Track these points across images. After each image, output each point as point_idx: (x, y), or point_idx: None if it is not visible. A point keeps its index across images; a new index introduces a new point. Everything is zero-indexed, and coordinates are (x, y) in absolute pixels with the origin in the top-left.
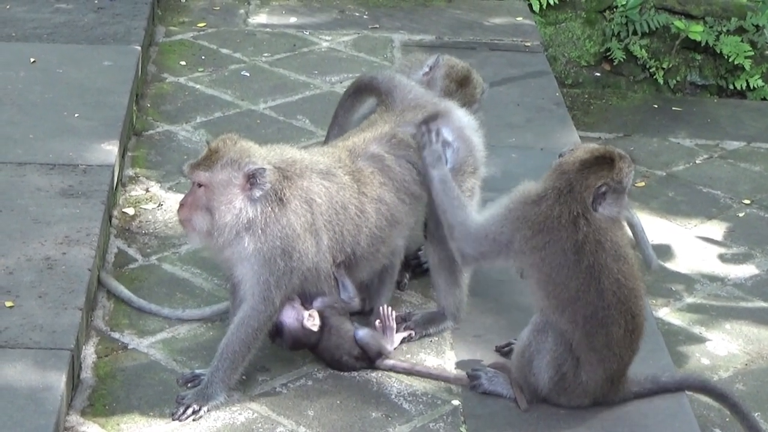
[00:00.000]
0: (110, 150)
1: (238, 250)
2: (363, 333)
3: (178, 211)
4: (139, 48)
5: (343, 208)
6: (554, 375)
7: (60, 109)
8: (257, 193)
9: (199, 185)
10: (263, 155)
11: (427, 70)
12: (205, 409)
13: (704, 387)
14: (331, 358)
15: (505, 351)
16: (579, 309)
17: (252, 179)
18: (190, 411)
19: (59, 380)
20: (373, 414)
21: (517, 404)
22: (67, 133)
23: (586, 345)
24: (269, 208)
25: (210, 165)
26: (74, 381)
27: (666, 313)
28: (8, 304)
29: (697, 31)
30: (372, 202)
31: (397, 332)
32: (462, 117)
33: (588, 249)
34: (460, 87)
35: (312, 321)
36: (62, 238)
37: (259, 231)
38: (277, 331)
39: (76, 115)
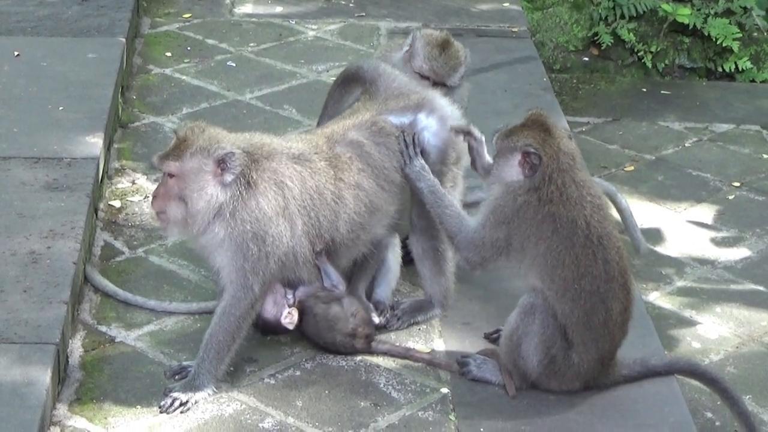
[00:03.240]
0: (95, 143)
1: (210, 237)
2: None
3: (152, 203)
4: (124, 40)
5: (319, 194)
6: (543, 358)
7: (44, 103)
8: (228, 177)
9: (170, 175)
10: (231, 140)
11: (407, 48)
12: (192, 400)
13: (693, 371)
14: (325, 343)
15: (493, 338)
16: (584, 285)
17: (222, 164)
18: (177, 403)
19: (44, 375)
20: (362, 403)
21: (506, 391)
22: (52, 126)
23: (584, 324)
24: (237, 192)
25: (179, 154)
26: (60, 375)
27: (656, 297)
28: None
29: (684, 14)
30: (350, 188)
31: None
32: (445, 107)
33: (596, 219)
34: (442, 50)
35: (289, 319)
36: (47, 232)
37: (228, 216)
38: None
39: (60, 108)
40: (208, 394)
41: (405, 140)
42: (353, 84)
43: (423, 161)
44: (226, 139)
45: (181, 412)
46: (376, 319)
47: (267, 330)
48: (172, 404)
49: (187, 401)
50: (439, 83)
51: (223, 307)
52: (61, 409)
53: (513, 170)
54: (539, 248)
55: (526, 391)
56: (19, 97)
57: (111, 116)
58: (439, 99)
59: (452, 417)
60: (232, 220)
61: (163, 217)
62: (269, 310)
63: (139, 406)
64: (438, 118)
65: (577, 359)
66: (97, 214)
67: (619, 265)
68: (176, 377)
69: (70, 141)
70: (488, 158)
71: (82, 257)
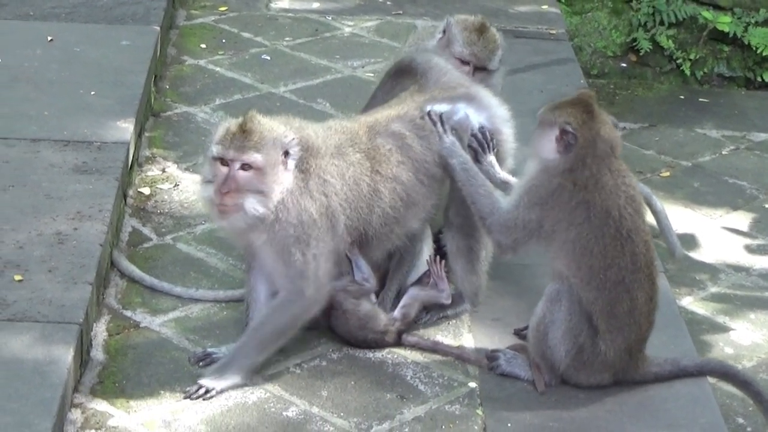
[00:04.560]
0: (126, 128)
1: (260, 231)
2: (414, 290)
3: (224, 197)
4: (158, 28)
5: (356, 185)
6: (571, 348)
7: (76, 87)
8: (291, 164)
9: (245, 167)
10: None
11: (440, 35)
12: (218, 388)
13: (726, 372)
14: (356, 340)
15: (523, 334)
16: (610, 275)
17: (287, 152)
18: (202, 390)
19: (66, 354)
20: (388, 395)
21: (535, 387)
22: (83, 110)
23: (609, 312)
24: (295, 181)
25: (258, 145)
26: (83, 356)
27: (689, 302)
28: (17, 278)
29: (725, 22)
30: (386, 181)
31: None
32: (494, 106)
33: (629, 211)
34: (481, 34)
35: None
36: (74, 214)
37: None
38: None
39: (92, 93)
40: (236, 384)
41: (432, 119)
42: (405, 76)
43: (454, 138)
44: (283, 125)
45: (203, 399)
46: (447, 299)
47: None
48: (197, 391)
49: (212, 389)
50: (480, 67)
51: (276, 304)
52: (83, 392)
53: (549, 145)
54: (569, 234)
55: (556, 388)
56: (51, 81)
57: (143, 103)
58: (488, 97)
59: (480, 411)
60: (277, 223)
61: (235, 211)
62: None
63: (161, 391)
64: (487, 117)
65: (604, 347)
66: (126, 200)
67: (646, 256)
68: (200, 363)
69: (101, 125)
70: (499, 173)
71: (109, 240)
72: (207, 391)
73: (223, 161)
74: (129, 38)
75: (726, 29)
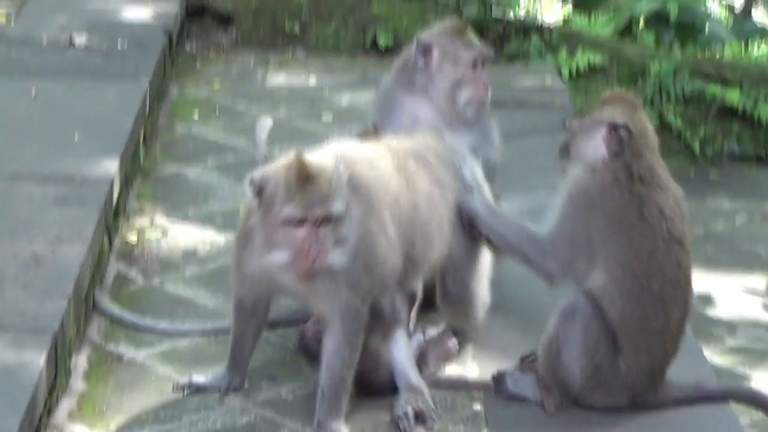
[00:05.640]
0: (110, 165)
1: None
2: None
3: (314, 261)
4: (147, 81)
5: (396, 199)
6: (587, 366)
7: (59, 132)
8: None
9: (324, 221)
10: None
11: (419, 61)
12: None
13: (753, 398)
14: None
15: (530, 361)
16: (652, 285)
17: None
18: None
19: (38, 358)
20: (387, 418)
21: (543, 408)
22: (66, 151)
23: (640, 328)
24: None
25: (333, 191)
26: (57, 372)
27: (708, 355)
28: None
29: (734, 96)
30: (422, 197)
31: None
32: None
33: (677, 213)
34: (468, 30)
35: None
36: (53, 237)
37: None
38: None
39: (75, 135)
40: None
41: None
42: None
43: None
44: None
45: None
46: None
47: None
48: None
49: None
50: (487, 59)
51: (336, 343)
52: (60, 417)
53: (595, 147)
54: (621, 238)
55: (566, 409)
56: (34, 129)
57: (129, 146)
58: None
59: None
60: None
61: (322, 269)
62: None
63: (144, 417)
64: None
65: (625, 367)
66: (111, 245)
67: (686, 273)
68: (185, 391)
69: (84, 163)
70: None
71: (89, 263)
72: None
73: (301, 221)
74: (117, 91)
75: (735, 102)
